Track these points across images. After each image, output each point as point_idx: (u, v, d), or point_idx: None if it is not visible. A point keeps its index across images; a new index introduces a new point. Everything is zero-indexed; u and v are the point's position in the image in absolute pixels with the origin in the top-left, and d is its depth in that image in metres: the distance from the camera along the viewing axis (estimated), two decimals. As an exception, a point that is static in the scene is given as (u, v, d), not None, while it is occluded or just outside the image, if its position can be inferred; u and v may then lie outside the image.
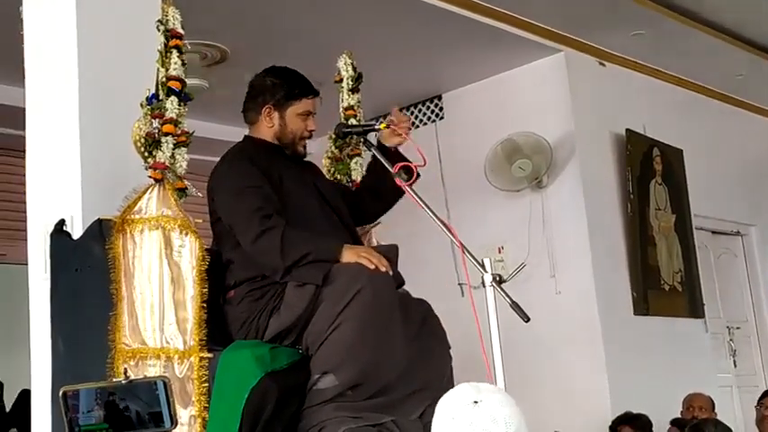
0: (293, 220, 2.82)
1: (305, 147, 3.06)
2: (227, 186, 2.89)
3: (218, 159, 3.02)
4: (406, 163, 2.77)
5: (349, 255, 2.74)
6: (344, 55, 3.43)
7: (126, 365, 2.57)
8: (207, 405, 2.57)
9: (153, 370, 2.60)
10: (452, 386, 2.89)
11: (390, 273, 2.77)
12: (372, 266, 2.69)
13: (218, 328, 2.81)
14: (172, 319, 2.64)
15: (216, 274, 2.87)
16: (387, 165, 2.84)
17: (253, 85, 3.06)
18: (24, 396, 5.26)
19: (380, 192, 3.13)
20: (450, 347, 2.96)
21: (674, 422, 5.11)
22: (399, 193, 2.95)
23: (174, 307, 2.64)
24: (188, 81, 2.89)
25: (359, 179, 3.35)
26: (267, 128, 3.01)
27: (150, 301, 2.65)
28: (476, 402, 1.81)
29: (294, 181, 2.96)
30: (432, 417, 2.75)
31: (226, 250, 2.91)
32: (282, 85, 3.00)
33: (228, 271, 2.91)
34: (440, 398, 2.84)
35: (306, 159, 3.15)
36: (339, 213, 3.04)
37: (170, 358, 2.61)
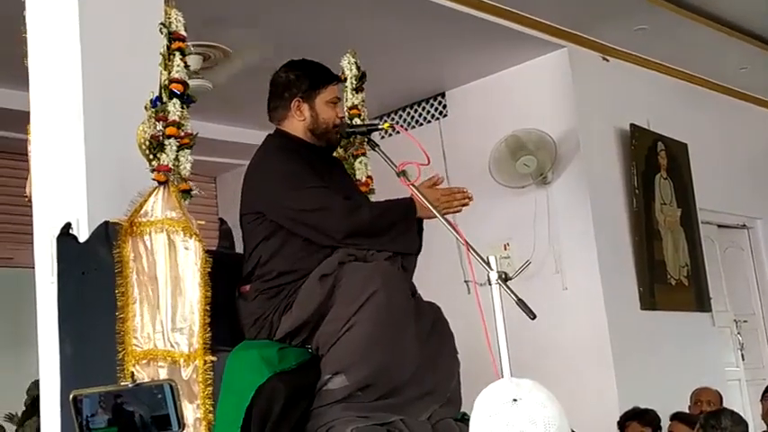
0: None
1: (338, 134, 3.04)
2: (287, 180, 2.87)
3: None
4: (409, 162, 2.77)
5: (425, 213, 2.87)
6: (348, 54, 3.42)
7: (135, 368, 2.58)
8: (212, 408, 2.58)
9: (162, 371, 2.61)
10: (460, 390, 2.92)
11: (467, 200, 2.90)
12: (457, 207, 2.85)
13: (228, 327, 2.82)
14: (178, 322, 2.64)
15: (228, 273, 2.89)
16: (391, 164, 2.84)
17: (275, 83, 3.02)
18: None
19: None
20: (457, 352, 2.97)
21: (675, 416, 5.08)
22: None
23: (179, 310, 2.65)
24: (191, 83, 2.89)
25: (363, 178, 3.35)
26: (299, 121, 2.99)
27: (158, 303, 2.66)
28: (515, 401, 1.73)
29: (331, 182, 2.97)
30: (439, 417, 2.78)
31: (250, 246, 2.92)
32: (306, 76, 2.98)
33: (246, 266, 2.92)
34: (448, 401, 2.86)
35: (334, 156, 3.18)
36: None
37: (176, 361, 2.61)
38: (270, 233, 2.87)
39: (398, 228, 2.87)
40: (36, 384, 5.08)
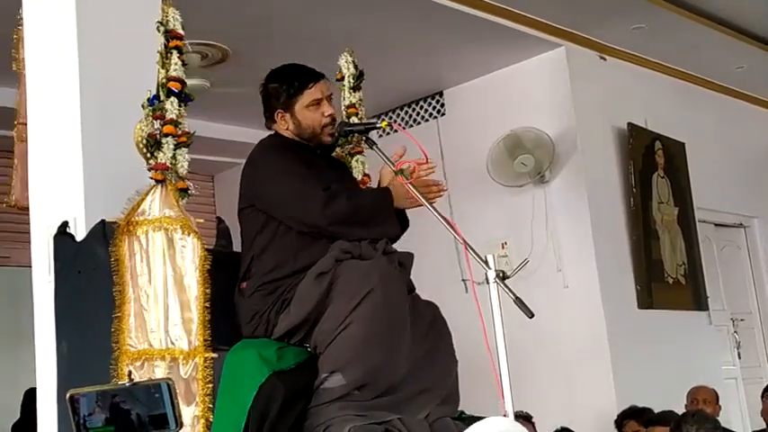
0: None
1: (332, 135, 3.04)
2: (275, 170, 2.91)
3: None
4: (407, 161, 2.77)
5: (400, 202, 2.89)
6: (345, 53, 3.42)
7: (131, 367, 2.58)
8: (211, 405, 2.58)
9: (159, 371, 2.61)
10: (458, 388, 2.92)
11: (442, 193, 2.91)
12: (432, 200, 2.82)
13: (225, 326, 2.82)
14: (177, 319, 2.64)
15: (225, 272, 2.88)
16: (388, 163, 2.84)
17: (262, 96, 3.08)
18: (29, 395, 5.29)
19: None
20: (455, 351, 2.97)
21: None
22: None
23: (178, 308, 2.64)
24: (189, 81, 2.89)
25: (360, 177, 3.35)
26: (285, 130, 3.03)
27: (155, 302, 2.66)
28: None
29: (327, 177, 2.98)
30: (437, 416, 2.78)
31: (247, 241, 2.94)
32: (281, 86, 3.01)
33: (243, 262, 2.93)
34: (446, 399, 2.86)
35: (333, 156, 3.19)
36: None
37: (175, 359, 2.61)
38: (262, 225, 2.90)
39: (380, 216, 2.89)
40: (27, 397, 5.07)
